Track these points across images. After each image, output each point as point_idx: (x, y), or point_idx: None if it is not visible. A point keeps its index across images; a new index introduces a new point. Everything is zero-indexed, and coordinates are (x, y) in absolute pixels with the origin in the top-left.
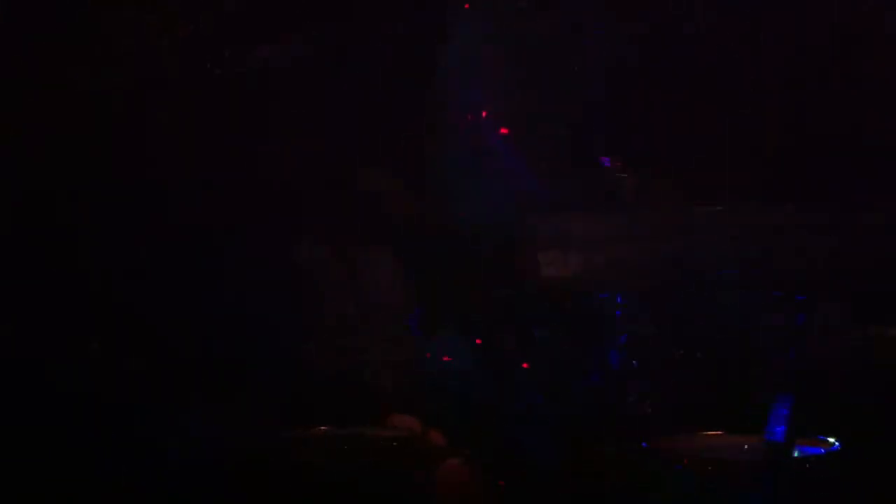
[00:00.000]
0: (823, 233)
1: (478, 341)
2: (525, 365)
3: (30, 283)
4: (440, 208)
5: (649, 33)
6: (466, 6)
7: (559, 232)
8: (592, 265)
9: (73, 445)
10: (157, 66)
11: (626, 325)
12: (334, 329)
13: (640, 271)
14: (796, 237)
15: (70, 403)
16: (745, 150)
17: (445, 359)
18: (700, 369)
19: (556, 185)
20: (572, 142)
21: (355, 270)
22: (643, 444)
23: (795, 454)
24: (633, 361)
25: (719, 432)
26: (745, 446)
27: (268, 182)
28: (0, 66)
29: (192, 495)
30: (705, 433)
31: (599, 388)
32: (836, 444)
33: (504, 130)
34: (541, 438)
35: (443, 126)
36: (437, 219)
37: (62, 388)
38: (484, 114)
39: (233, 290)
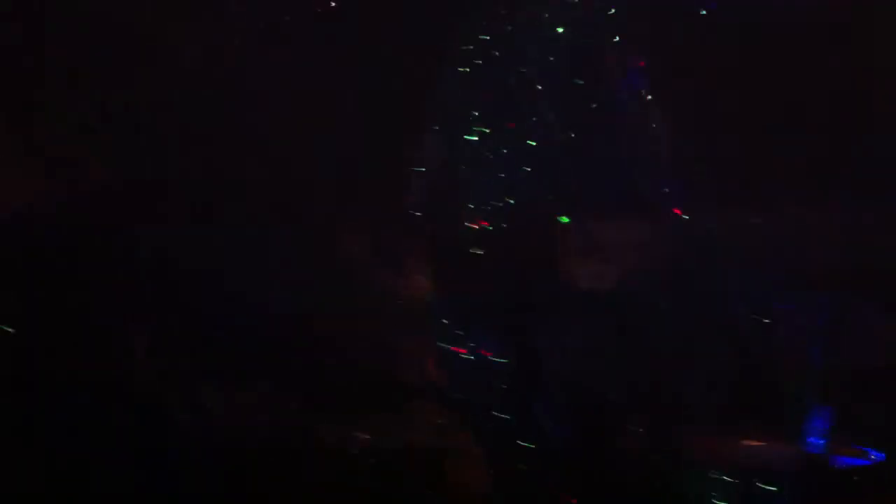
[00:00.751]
0: (854, 231)
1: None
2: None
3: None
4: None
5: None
6: None
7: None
8: (622, 268)
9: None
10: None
11: (656, 325)
12: (363, 319)
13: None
14: (829, 235)
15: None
16: (776, 150)
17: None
18: (729, 370)
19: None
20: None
21: (386, 260)
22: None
23: (833, 465)
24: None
25: (757, 442)
26: (778, 454)
27: (300, 174)
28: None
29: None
30: (741, 440)
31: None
32: (879, 455)
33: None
34: (564, 426)
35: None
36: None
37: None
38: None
39: (261, 280)
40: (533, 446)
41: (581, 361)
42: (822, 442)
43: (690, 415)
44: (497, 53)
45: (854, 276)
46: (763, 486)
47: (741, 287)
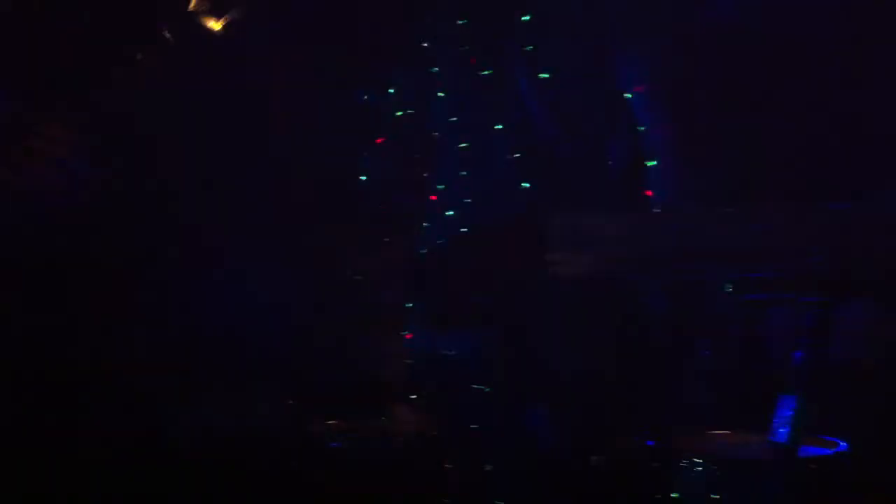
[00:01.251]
0: (848, 231)
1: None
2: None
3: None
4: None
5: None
6: None
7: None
8: (606, 262)
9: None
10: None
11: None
12: (341, 321)
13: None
14: (817, 235)
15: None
16: (764, 148)
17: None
18: (708, 368)
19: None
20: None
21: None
22: (649, 443)
23: (800, 454)
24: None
25: (726, 431)
26: (751, 446)
27: (278, 181)
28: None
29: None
30: (712, 432)
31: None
32: (843, 445)
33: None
34: (548, 431)
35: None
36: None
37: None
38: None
39: (241, 286)
40: (528, 446)
41: (576, 360)
42: (787, 433)
43: (687, 414)
44: (486, 50)
45: (850, 277)
46: (761, 485)
47: (735, 286)
